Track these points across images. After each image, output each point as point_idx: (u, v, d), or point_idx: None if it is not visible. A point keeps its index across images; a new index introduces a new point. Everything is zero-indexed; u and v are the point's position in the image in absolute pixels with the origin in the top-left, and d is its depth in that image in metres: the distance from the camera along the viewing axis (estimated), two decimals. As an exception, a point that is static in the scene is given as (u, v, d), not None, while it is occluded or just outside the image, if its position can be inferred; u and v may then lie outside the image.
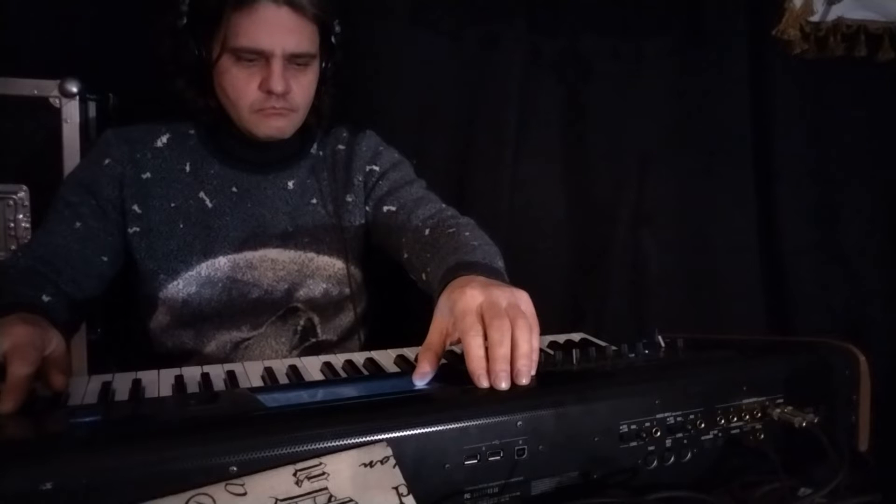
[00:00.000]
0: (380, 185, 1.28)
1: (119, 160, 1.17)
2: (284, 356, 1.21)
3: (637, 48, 1.76)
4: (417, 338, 0.84)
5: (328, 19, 1.15)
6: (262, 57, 1.10)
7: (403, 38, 1.67)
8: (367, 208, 1.28)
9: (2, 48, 1.41)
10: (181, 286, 1.17)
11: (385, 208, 1.24)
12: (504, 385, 0.70)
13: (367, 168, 1.29)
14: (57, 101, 1.36)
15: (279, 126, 1.16)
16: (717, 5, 1.76)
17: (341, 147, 1.31)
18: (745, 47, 1.77)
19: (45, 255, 1.07)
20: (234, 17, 1.08)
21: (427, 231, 1.11)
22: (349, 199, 1.28)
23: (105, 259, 1.14)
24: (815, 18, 1.68)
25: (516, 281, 1.85)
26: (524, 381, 0.71)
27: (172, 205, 1.18)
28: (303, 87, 1.15)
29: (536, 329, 0.75)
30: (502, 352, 0.71)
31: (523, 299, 0.78)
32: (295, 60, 1.12)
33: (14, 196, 1.36)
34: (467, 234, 1.07)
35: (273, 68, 1.10)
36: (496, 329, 0.72)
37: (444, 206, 1.22)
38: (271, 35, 1.08)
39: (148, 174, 1.18)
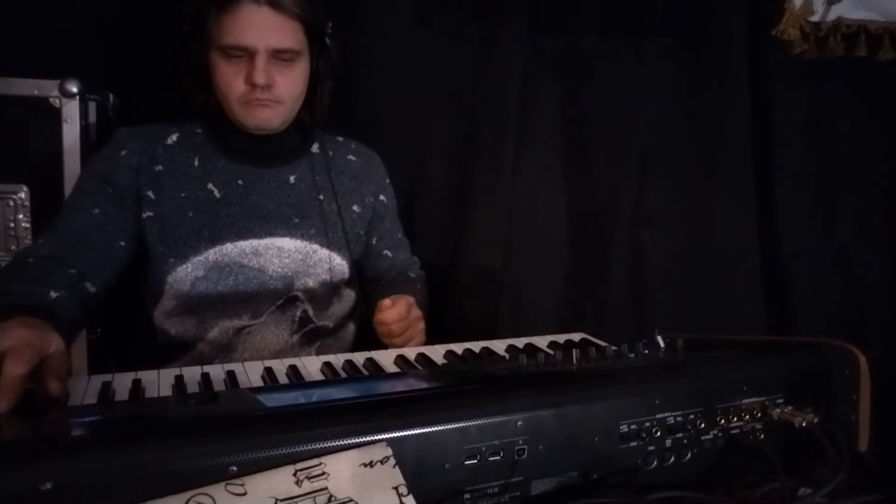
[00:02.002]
0: (386, 226, 1.44)
1: (135, 151, 1.24)
2: (286, 340, 1.28)
3: (637, 48, 1.76)
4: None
5: (312, 18, 1.21)
6: (246, 53, 1.17)
7: (403, 38, 1.68)
8: (373, 240, 1.42)
9: (2, 48, 1.41)
10: (189, 269, 1.22)
11: (384, 252, 1.44)
12: (394, 327, 1.13)
13: (381, 196, 1.42)
14: (57, 101, 1.36)
15: (265, 116, 1.22)
16: (717, 5, 1.75)
17: (352, 158, 1.40)
18: (745, 47, 1.77)
19: (67, 241, 1.12)
20: (220, 18, 1.16)
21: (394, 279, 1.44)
22: (356, 209, 1.37)
23: (122, 244, 1.20)
24: (815, 18, 1.68)
25: (517, 280, 1.86)
26: (397, 343, 1.14)
27: (182, 195, 1.24)
28: (288, 81, 1.21)
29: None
30: (404, 327, 1.15)
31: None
32: (279, 56, 1.18)
33: (14, 196, 1.36)
34: (418, 297, 1.31)
35: (256, 63, 1.17)
36: (415, 321, 1.17)
37: (415, 259, 1.51)
38: (253, 32, 1.16)
39: (160, 167, 1.24)
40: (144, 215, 1.22)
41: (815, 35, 1.68)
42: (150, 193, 1.22)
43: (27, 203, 1.36)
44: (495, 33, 1.70)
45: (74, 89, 1.36)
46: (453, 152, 1.75)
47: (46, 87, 1.36)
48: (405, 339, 1.14)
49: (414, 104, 1.71)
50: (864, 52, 1.69)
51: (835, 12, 1.68)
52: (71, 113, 1.37)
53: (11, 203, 1.36)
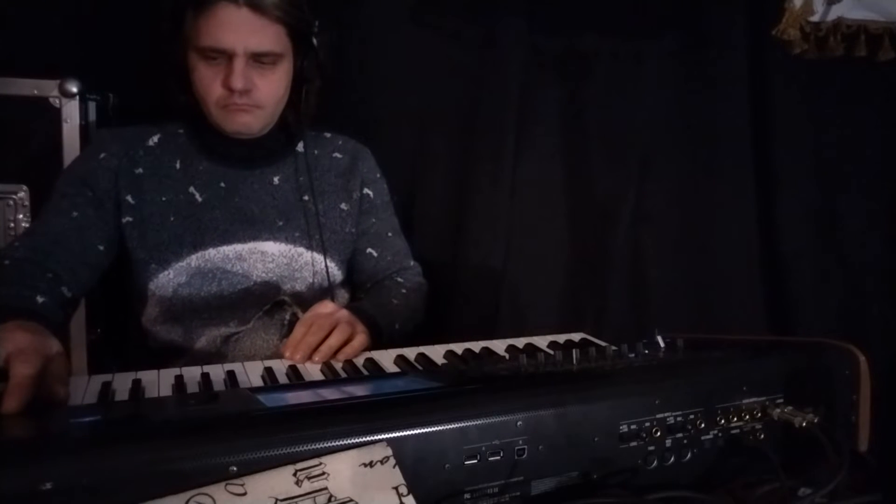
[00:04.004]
0: (371, 221, 1.36)
1: (115, 154, 1.21)
2: (276, 345, 1.23)
3: (637, 48, 1.76)
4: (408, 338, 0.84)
5: (295, 20, 1.17)
6: (224, 55, 1.13)
7: (403, 38, 1.67)
8: (355, 237, 1.35)
9: (2, 48, 1.41)
10: (172, 276, 1.19)
11: (368, 250, 1.36)
12: (297, 357, 0.99)
13: (365, 190, 1.36)
14: (57, 101, 1.36)
15: (244, 121, 1.19)
16: (717, 5, 1.75)
17: (338, 155, 1.36)
18: (745, 47, 1.77)
19: (44, 244, 1.10)
20: (198, 19, 1.12)
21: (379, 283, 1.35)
22: (344, 206, 1.33)
23: (101, 248, 1.17)
24: (815, 18, 1.68)
25: (517, 280, 1.85)
26: (316, 359, 0.99)
27: (164, 199, 1.21)
28: (269, 85, 1.18)
29: (349, 349, 1.01)
30: (311, 340, 1.00)
31: (359, 329, 1.05)
32: (259, 59, 1.15)
33: (14, 196, 1.36)
34: (395, 300, 1.26)
35: (234, 66, 1.13)
36: (318, 324, 1.02)
37: (411, 264, 1.40)
38: (231, 35, 1.11)
39: (140, 170, 1.22)
40: (124, 220, 1.19)
41: (815, 35, 1.68)
42: (129, 198, 1.19)
43: (27, 203, 1.36)
44: (495, 33, 1.70)
45: (74, 89, 1.36)
46: (453, 152, 1.75)
47: (46, 87, 1.36)
48: (322, 354, 1.00)
49: (414, 104, 1.71)
50: (864, 52, 1.68)
51: (835, 12, 1.68)
52: (71, 113, 1.37)
53: (11, 203, 1.36)
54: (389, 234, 1.39)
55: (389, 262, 1.37)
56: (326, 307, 1.07)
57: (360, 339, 1.04)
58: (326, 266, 1.28)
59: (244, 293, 1.23)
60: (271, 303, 1.24)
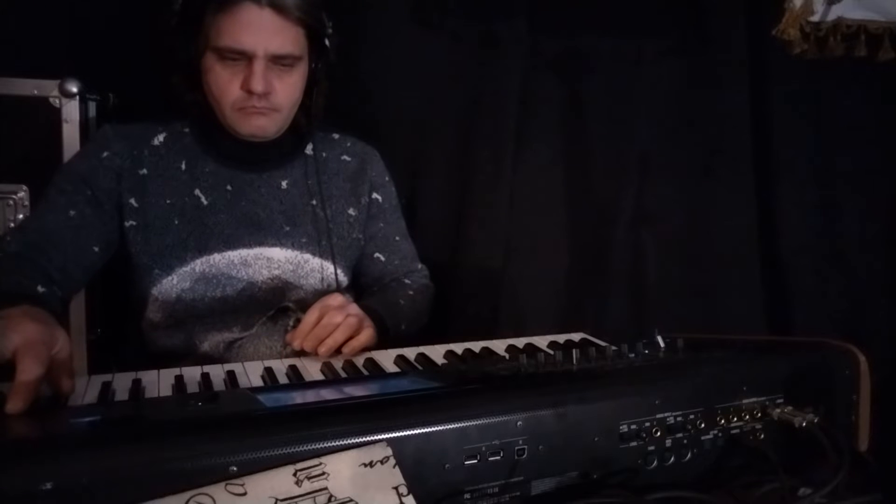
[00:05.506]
0: (378, 227, 1.34)
1: (118, 154, 1.18)
2: (279, 351, 1.22)
3: (637, 48, 1.76)
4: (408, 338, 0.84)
5: (314, 22, 1.15)
6: (244, 57, 1.11)
7: (403, 38, 1.68)
8: (363, 241, 1.34)
9: (2, 48, 1.41)
10: (175, 281, 1.18)
11: (375, 255, 1.34)
12: (305, 346, 1.00)
13: (373, 195, 1.34)
14: (57, 101, 1.36)
15: (260, 125, 1.17)
16: (717, 5, 1.75)
17: (347, 158, 1.33)
18: (745, 47, 1.77)
19: (38, 241, 1.07)
20: (218, 18, 1.10)
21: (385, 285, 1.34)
22: (352, 212, 1.31)
23: (96, 249, 1.14)
24: (815, 18, 1.68)
25: (517, 280, 1.85)
26: (322, 351, 1.00)
27: (168, 201, 1.19)
28: (287, 88, 1.16)
29: (356, 343, 1.02)
30: (319, 332, 1.01)
31: (366, 324, 1.06)
32: (279, 61, 1.13)
33: (14, 196, 1.36)
34: (402, 301, 1.24)
35: (254, 68, 1.10)
36: (328, 317, 1.02)
37: (418, 267, 1.39)
38: (253, 36, 1.09)
39: (145, 171, 1.19)
40: (127, 224, 1.17)
41: (815, 35, 1.68)
42: (132, 201, 1.17)
43: (27, 203, 1.36)
44: (495, 33, 1.70)
45: (74, 89, 1.36)
46: (453, 152, 1.75)
47: (46, 87, 1.36)
48: (328, 347, 1.01)
49: (414, 104, 1.71)
50: (863, 52, 1.69)
51: (835, 12, 1.68)
52: (71, 113, 1.37)
53: (11, 203, 1.36)
54: (397, 239, 1.37)
55: (397, 265, 1.35)
56: (336, 299, 1.06)
57: (367, 333, 1.04)
58: (336, 273, 1.26)
59: (248, 299, 1.21)
60: (275, 309, 1.22)
